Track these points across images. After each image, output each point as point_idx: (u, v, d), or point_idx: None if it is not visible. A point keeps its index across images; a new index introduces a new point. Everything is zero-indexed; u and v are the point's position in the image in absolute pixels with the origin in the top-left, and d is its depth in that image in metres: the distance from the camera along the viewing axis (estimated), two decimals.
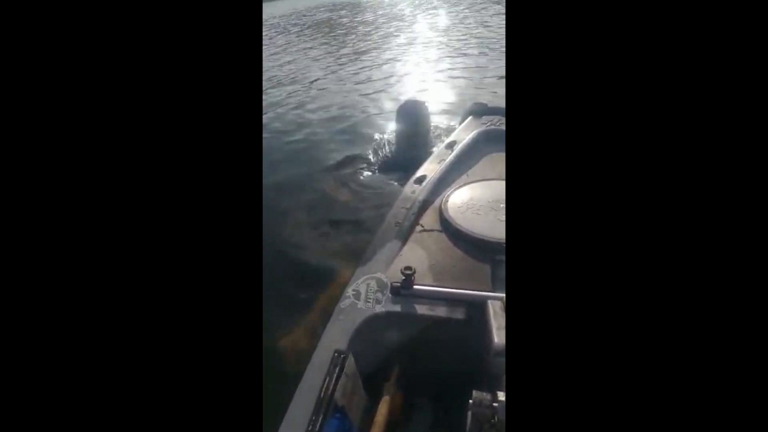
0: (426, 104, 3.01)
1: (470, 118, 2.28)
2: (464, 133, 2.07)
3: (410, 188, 1.74)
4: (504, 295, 1.09)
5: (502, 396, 0.72)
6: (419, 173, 1.84)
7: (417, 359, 1.13)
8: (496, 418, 0.71)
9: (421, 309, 1.15)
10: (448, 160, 1.86)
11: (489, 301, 1.07)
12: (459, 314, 1.12)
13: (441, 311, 1.14)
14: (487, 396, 0.74)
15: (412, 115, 2.90)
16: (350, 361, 0.97)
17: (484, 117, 2.20)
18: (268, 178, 2.92)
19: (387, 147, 3.33)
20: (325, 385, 0.92)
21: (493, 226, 1.40)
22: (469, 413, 0.75)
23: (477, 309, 1.09)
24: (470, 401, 0.75)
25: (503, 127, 2.03)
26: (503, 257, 1.28)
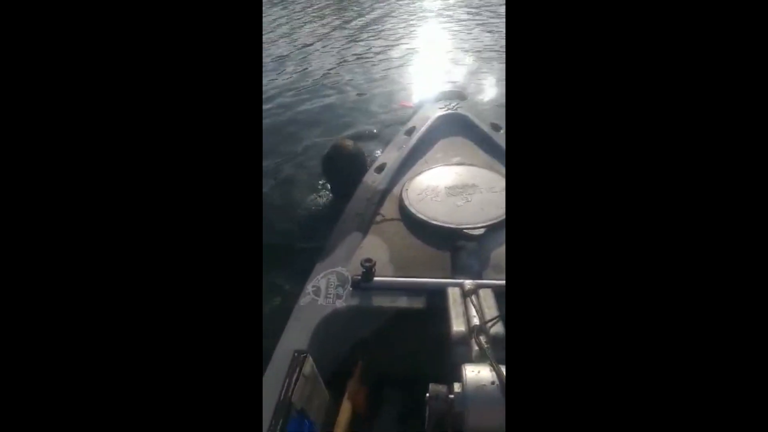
0: (356, 144, 2.34)
1: (428, 103, 2.26)
2: (422, 119, 2.05)
3: (371, 178, 1.71)
4: (462, 281, 1.08)
5: (457, 387, 0.72)
6: (379, 162, 1.81)
7: (380, 352, 1.12)
8: (453, 410, 0.71)
9: (383, 301, 1.14)
10: (407, 146, 1.84)
11: (449, 289, 1.07)
12: (419, 303, 1.11)
13: (402, 302, 1.13)
14: (443, 389, 0.74)
15: (343, 162, 2.24)
16: (309, 362, 0.95)
17: (441, 101, 2.18)
18: None
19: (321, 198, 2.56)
20: (284, 388, 0.90)
21: (452, 213, 1.40)
22: (427, 407, 0.74)
23: (437, 297, 1.08)
24: (427, 395, 0.74)
25: (461, 111, 2.02)
26: (462, 243, 1.28)
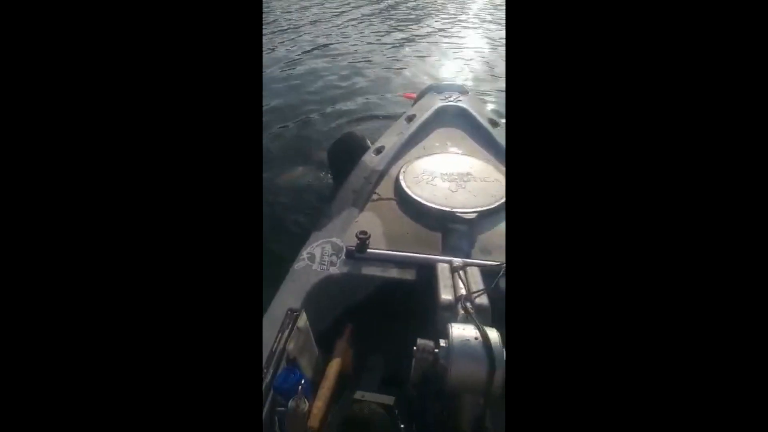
0: (364, 138, 2.25)
1: (429, 93, 2.31)
2: (423, 108, 2.10)
3: (369, 158, 1.76)
4: (451, 258, 1.14)
5: (443, 342, 0.78)
6: (378, 144, 1.86)
7: (369, 317, 1.17)
8: (438, 363, 0.77)
9: (374, 271, 1.19)
10: (407, 132, 1.89)
11: (438, 264, 1.13)
12: (409, 275, 1.17)
13: (393, 273, 1.18)
14: (430, 343, 0.79)
15: (350, 150, 2.14)
16: (303, 317, 0.99)
17: (443, 93, 2.23)
18: None
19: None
20: (277, 340, 0.94)
21: (446, 197, 1.45)
22: (414, 360, 0.79)
23: (427, 271, 1.14)
24: (414, 348, 0.79)
25: (461, 104, 2.08)
26: (454, 226, 1.34)
